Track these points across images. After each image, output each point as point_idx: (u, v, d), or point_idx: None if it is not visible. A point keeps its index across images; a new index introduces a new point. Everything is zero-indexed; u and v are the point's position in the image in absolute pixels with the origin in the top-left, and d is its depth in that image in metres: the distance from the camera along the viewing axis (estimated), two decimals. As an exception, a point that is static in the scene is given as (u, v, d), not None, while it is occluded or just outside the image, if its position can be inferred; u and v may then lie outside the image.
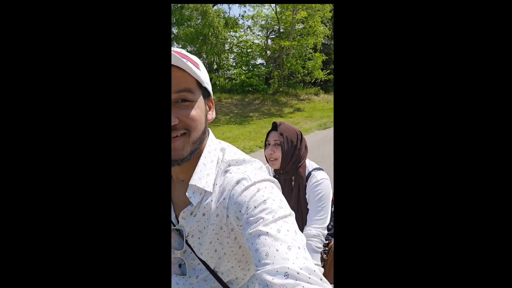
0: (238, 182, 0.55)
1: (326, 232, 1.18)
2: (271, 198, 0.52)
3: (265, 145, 1.28)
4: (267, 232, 0.47)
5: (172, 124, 0.49)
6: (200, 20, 11.92)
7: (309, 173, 1.24)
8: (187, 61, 0.52)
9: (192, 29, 11.97)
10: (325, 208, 1.18)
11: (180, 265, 0.64)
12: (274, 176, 1.29)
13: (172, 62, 0.49)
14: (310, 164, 1.28)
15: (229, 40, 13.25)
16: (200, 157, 0.58)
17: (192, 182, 0.56)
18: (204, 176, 0.57)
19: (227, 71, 13.82)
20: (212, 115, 0.61)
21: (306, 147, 1.27)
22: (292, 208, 0.75)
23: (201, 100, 0.55)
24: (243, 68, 13.07)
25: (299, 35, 12.21)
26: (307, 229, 1.17)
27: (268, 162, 1.27)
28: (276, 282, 0.41)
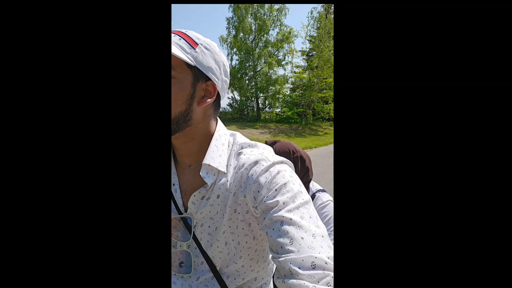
0: (256, 163, 0.53)
1: None
2: (291, 181, 0.51)
3: None
4: (291, 219, 0.45)
5: None
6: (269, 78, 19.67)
7: (313, 195, 1.17)
8: (179, 38, 0.51)
9: (264, 84, 19.74)
10: (333, 232, 1.05)
11: (181, 263, 0.59)
12: None
13: None
14: (313, 185, 1.21)
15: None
16: (210, 140, 0.57)
17: (205, 161, 0.54)
18: (217, 156, 0.55)
19: (276, 109, 21.07)
20: (207, 101, 0.55)
21: (308, 168, 1.12)
22: None
23: (187, 79, 0.52)
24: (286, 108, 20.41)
25: (324, 89, 19.81)
26: None
27: None
28: (302, 272, 0.39)
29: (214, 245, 0.56)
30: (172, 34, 0.51)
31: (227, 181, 0.55)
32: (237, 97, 21.23)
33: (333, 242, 0.95)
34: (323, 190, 1.20)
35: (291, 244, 0.42)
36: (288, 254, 0.41)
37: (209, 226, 0.57)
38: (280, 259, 0.42)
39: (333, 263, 0.40)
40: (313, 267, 0.40)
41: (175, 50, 0.50)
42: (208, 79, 0.55)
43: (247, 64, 20.73)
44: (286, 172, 0.52)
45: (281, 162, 0.55)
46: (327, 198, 1.16)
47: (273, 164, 0.53)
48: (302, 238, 0.43)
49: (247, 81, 20.79)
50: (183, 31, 0.54)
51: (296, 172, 0.94)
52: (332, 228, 1.07)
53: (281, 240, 0.43)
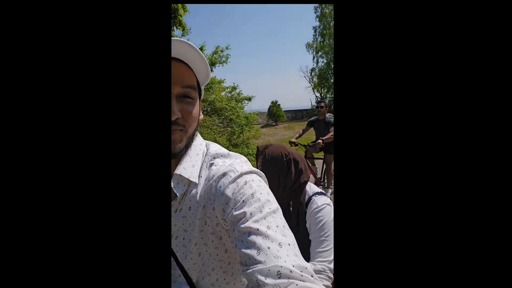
0: (224, 174, 0.53)
1: (332, 266, 0.99)
2: (259, 191, 0.51)
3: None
4: (257, 229, 0.45)
5: (174, 118, 0.49)
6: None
7: (309, 198, 1.12)
8: (199, 54, 0.52)
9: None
10: (329, 238, 1.04)
11: None
12: None
13: (190, 57, 0.50)
14: (311, 188, 1.16)
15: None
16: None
17: (177, 171, 0.54)
18: (189, 167, 0.55)
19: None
20: (201, 115, 0.59)
21: (301, 170, 1.11)
22: None
23: (197, 100, 0.55)
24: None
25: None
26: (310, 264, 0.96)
27: None
28: (268, 282, 0.40)
29: (188, 257, 0.57)
30: (190, 46, 0.49)
31: (197, 193, 0.55)
32: (317, 95, 25.22)
33: (330, 247, 1.02)
34: (320, 193, 1.15)
35: (258, 255, 0.42)
36: (255, 265, 0.42)
37: (183, 238, 0.57)
38: (248, 271, 0.42)
39: (298, 271, 0.40)
40: (279, 276, 0.40)
41: (199, 73, 0.54)
42: (201, 96, 0.58)
43: (332, 65, 23.99)
44: (254, 182, 0.52)
45: (250, 172, 0.54)
46: (323, 202, 1.11)
47: (241, 175, 0.53)
48: (269, 247, 0.43)
49: (332, 80, 24.28)
50: (190, 43, 0.50)
51: (289, 174, 1.07)
52: (328, 234, 1.05)
53: (248, 251, 0.44)
